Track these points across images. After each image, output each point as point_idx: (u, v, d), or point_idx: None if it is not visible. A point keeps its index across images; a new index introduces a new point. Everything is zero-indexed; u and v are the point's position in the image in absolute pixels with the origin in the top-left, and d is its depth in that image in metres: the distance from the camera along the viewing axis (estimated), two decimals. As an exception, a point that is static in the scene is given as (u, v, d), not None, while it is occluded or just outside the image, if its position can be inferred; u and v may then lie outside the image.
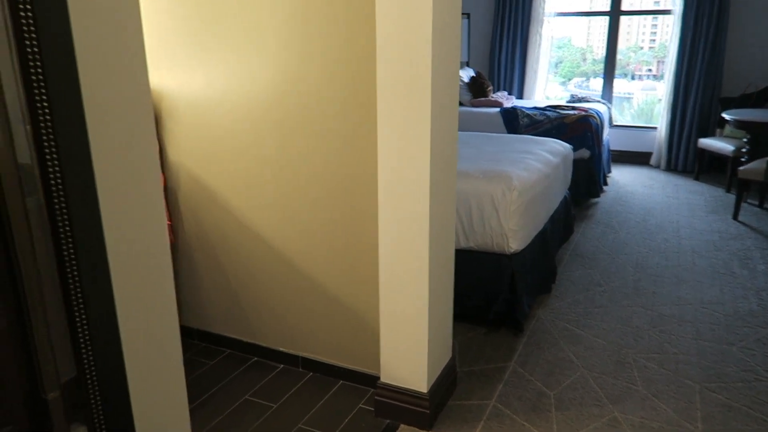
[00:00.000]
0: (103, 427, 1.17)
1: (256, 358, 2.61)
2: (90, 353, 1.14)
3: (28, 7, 1.07)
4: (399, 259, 2.03)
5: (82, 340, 1.14)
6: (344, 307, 2.36)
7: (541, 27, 6.78)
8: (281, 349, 2.56)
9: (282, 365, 2.56)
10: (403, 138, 1.90)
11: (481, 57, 7.22)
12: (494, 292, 2.77)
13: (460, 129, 2.16)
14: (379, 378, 2.22)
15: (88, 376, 1.14)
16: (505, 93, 6.41)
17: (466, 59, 7.05)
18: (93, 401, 1.15)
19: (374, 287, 2.21)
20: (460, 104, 5.85)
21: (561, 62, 7.78)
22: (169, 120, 2.51)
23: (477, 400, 2.31)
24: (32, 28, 1.08)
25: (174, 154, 2.55)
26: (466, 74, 6.42)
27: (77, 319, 1.14)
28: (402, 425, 2.16)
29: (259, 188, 2.40)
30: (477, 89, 6.18)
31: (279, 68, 2.21)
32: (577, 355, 2.63)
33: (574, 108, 5.48)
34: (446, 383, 2.28)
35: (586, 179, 4.93)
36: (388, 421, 2.19)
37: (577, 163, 4.44)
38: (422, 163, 1.89)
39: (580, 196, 4.87)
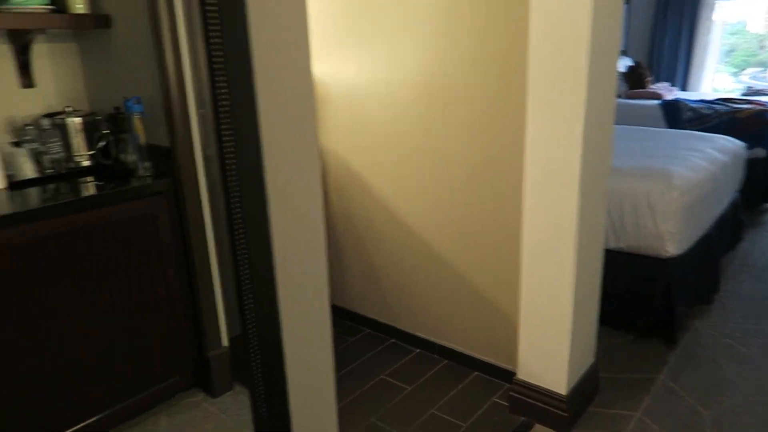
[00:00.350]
0: (261, 384, 1.28)
1: (393, 340, 2.69)
2: (253, 318, 1.25)
3: (214, 6, 1.19)
4: (543, 255, 1.97)
5: (247, 306, 1.26)
6: (483, 299, 2.34)
7: (712, 12, 6.13)
8: (418, 334, 2.61)
9: (418, 350, 2.61)
10: (553, 131, 1.83)
11: (641, 45, 6.70)
12: (646, 298, 2.58)
13: (615, 122, 2.05)
14: (515, 374, 2.17)
15: (251, 338, 1.26)
16: (667, 84, 5.90)
17: (623, 48, 6.59)
18: (254, 362, 1.26)
19: (515, 281, 2.17)
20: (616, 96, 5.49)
21: (733, 50, 6.96)
22: (321, 107, 2.65)
23: (620, 410, 2.18)
24: (217, 25, 1.20)
25: (325, 139, 2.69)
26: (623, 64, 6.01)
27: (243, 287, 1.26)
28: (537, 425, 2.11)
29: (404, 176, 2.46)
30: (635, 80, 5.76)
31: (428, 56, 2.23)
32: (741, 375, 2.37)
33: (748, 101, 4.89)
34: (587, 388, 2.18)
35: (761, 181, 4.39)
36: (522, 418, 2.14)
37: (750, 162, 3.96)
38: (573, 157, 1.81)
39: (752, 199, 4.34)
